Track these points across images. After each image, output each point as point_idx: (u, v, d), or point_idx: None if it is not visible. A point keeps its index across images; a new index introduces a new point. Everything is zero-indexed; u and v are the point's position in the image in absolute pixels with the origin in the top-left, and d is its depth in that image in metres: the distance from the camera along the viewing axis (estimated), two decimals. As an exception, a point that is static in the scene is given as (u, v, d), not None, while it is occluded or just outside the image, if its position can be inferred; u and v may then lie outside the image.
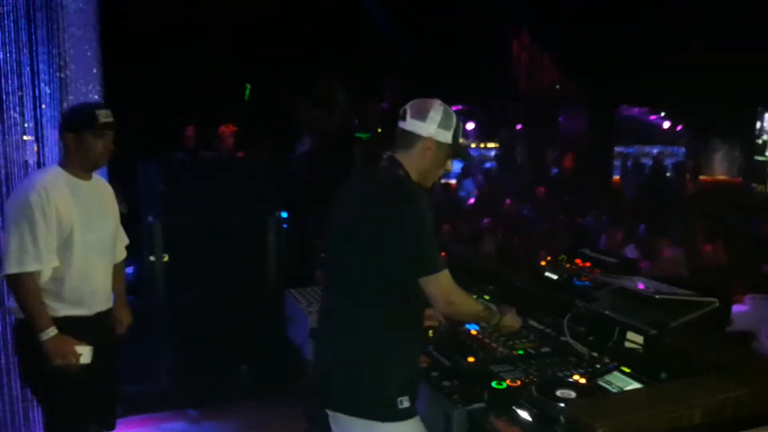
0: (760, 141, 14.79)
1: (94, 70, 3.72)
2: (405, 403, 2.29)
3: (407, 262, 2.27)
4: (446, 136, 2.42)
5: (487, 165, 15.62)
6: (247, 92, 9.93)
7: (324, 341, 2.51)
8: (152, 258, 4.87)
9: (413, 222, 2.26)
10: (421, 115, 2.40)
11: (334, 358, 2.41)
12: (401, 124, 2.44)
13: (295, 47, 9.93)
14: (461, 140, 2.54)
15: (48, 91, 3.66)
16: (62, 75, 3.66)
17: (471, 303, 2.54)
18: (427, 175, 2.47)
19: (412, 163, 2.42)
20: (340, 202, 2.48)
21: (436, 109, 2.41)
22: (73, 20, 3.68)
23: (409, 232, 2.25)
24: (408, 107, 2.44)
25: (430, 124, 2.39)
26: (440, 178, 2.57)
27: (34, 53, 3.62)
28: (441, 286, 2.31)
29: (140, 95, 7.27)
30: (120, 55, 4.56)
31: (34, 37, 3.60)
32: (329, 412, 2.44)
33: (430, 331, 2.86)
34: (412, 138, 2.41)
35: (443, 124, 2.40)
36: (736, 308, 4.08)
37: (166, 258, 4.89)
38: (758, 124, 14.91)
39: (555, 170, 14.12)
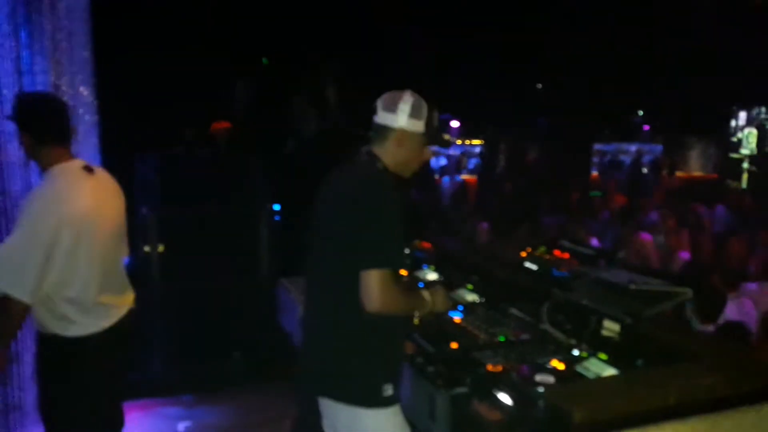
0: (734, 139, 15.00)
1: (89, 68, 3.75)
2: (389, 390, 2.34)
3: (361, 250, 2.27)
4: (418, 126, 2.46)
5: (472, 161, 15.66)
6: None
7: (310, 329, 2.55)
8: (147, 248, 4.95)
9: (375, 212, 2.30)
10: (392, 107, 2.45)
11: (319, 345, 2.46)
12: (375, 118, 2.50)
13: (292, 46, 9.90)
14: (438, 130, 2.54)
15: (40, 87, 3.65)
16: (55, 71, 3.67)
17: (401, 303, 2.42)
18: (405, 166, 2.52)
19: (388, 155, 2.47)
20: (322, 195, 2.53)
21: (406, 101, 2.45)
22: (65, 16, 3.69)
23: (367, 221, 2.28)
24: (379, 101, 2.49)
25: (401, 115, 2.44)
26: (420, 166, 2.58)
27: (27, 50, 3.59)
28: (376, 284, 2.23)
29: (139, 91, 7.28)
30: (117, 50, 4.59)
31: (25, 33, 3.57)
32: (318, 398, 2.48)
33: (416, 319, 2.95)
34: (384, 131, 2.46)
35: (413, 114, 2.44)
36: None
37: (161, 248, 4.98)
38: (733, 123, 15.12)
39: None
